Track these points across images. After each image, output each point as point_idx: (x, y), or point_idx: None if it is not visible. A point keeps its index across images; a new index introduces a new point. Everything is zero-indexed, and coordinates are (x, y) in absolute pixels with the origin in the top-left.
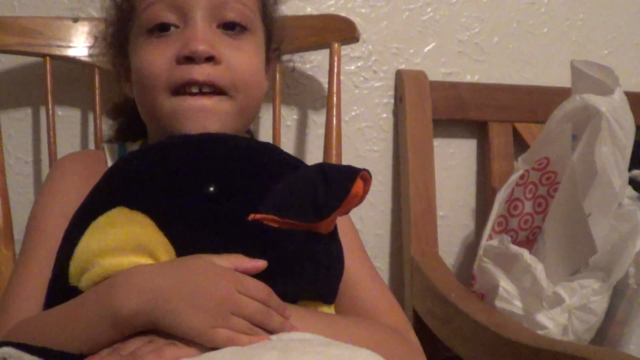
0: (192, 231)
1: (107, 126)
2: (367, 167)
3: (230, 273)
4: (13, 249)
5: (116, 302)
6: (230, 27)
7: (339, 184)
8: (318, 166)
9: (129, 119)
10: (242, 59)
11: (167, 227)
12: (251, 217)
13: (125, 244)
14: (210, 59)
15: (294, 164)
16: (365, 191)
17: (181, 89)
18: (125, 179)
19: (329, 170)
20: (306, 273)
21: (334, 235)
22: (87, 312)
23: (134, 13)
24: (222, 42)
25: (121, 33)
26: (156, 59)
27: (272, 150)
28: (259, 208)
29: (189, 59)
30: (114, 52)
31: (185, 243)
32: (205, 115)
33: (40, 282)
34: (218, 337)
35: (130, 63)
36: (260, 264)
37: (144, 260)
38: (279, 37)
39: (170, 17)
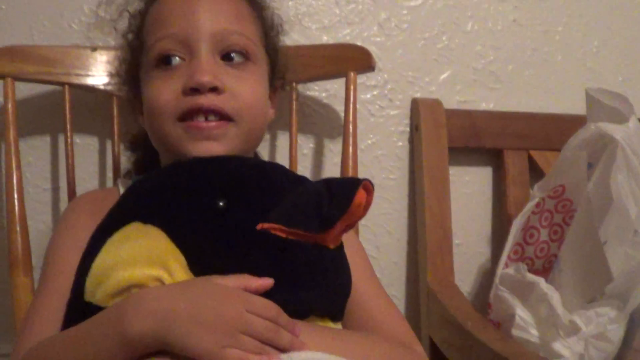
0: (202, 242)
1: (125, 158)
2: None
3: (238, 293)
4: (31, 276)
5: (126, 324)
6: (234, 59)
7: (342, 194)
8: (323, 180)
9: (147, 151)
10: (244, 87)
11: (179, 239)
12: (259, 226)
13: (138, 256)
14: (214, 89)
15: (300, 179)
16: (369, 201)
17: (188, 116)
18: (139, 197)
19: (332, 183)
20: (314, 285)
21: (340, 250)
22: (98, 334)
23: (144, 49)
24: (225, 73)
25: (133, 68)
26: (164, 90)
27: (278, 168)
28: (267, 218)
29: (195, 90)
30: (127, 87)
31: (197, 253)
32: (212, 140)
33: (58, 309)
34: (228, 357)
35: (142, 95)
36: (268, 282)
37: (156, 272)
38: (283, 67)
39: (176, 51)
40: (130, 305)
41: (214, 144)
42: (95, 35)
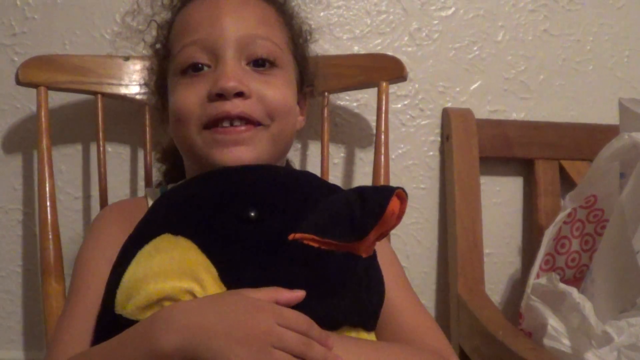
0: (234, 253)
1: (155, 169)
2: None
3: (269, 306)
4: (63, 284)
5: (156, 340)
6: (260, 64)
7: (375, 202)
8: (355, 189)
9: (177, 161)
10: (271, 91)
11: (210, 250)
12: (291, 236)
13: (169, 268)
14: (239, 94)
15: (332, 187)
16: (402, 210)
17: (213, 124)
18: (169, 208)
19: (365, 191)
20: (347, 295)
21: (374, 259)
22: (128, 350)
23: (170, 57)
24: (251, 78)
25: (160, 77)
26: (189, 96)
27: (310, 176)
28: (299, 228)
29: (220, 96)
30: (156, 97)
31: (228, 264)
32: (240, 145)
33: (88, 322)
34: None
35: (169, 103)
36: (299, 294)
37: (188, 284)
38: (312, 74)
39: (202, 58)
40: (160, 320)
41: (242, 148)
42: (124, 46)
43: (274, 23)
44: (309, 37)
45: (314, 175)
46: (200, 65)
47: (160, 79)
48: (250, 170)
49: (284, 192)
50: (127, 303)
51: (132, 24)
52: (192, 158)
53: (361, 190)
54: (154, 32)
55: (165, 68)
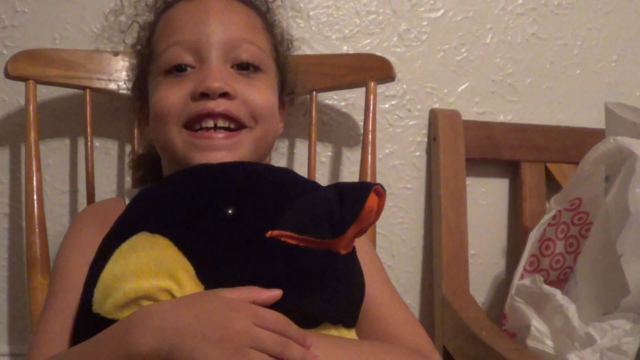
0: (211, 251)
1: (128, 176)
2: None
3: (245, 306)
4: (49, 278)
5: (132, 341)
6: (244, 67)
7: (353, 199)
8: (334, 185)
9: (153, 168)
10: (256, 94)
11: (187, 248)
12: (269, 233)
13: (146, 267)
14: (224, 94)
15: (311, 184)
16: (381, 206)
17: (196, 122)
18: (146, 206)
19: (343, 187)
20: (326, 292)
21: (353, 256)
22: (104, 351)
23: (153, 57)
24: (236, 80)
25: (142, 79)
26: (171, 95)
27: (288, 173)
28: (277, 225)
29: (204, 96)
30: (135, 98)
31: (206, 262)
32: (220, 151)
33: (66, 323)
34: None
35: (149, 104)
36: (276, 293)
37: (165, 282)
38: (292, 83)
39: (187, 59)
40: (136, 322)
41: (222, 153)
42: (105, 45)
43: (259, 29)
44: (290, 46)
45: (292, 172)
46: (184, 66)
47: (141, 80)
48: (228, 168)
49: (262, 189)
50: (104, 302)
51: (114, 23)
52: (170, 159)
53: (340, 186)
54: (135, 33)
55: (146, 69)
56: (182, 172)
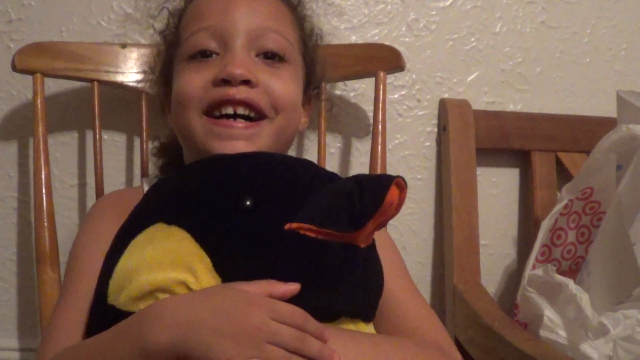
0: (228, 243)
1: (152, 163)
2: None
3: (262, 300)
4: (58, 271)
5: (147, 335)
6: (269, 57)
7: (373, 192)
8: (353, 177)
9: (175, 156)
10: (279, 84)
11: (204, 240)
12: (287, 226)
13: (162, 259)
14: (246, 82)
15: (330, 176)
16: (401, 199)
17: (216, 109)
18: (162, 197)
19: (364, 180)
20: (344, 286)
21: (372, 249)
22: (118, 345)
23: (178, 42)
24: (259, 69)
25: (166, 65)
26: (193, 79)
27: (308, 165)
28: (295, 218)
29: (226, 82)
30: (159, 85)
31: (222, 255)
32: (239, 140)
33: (81, 314)
34: None
35: (172, 89)
36: (294, 287)
37: (181, 275)
38: (319, 78)
39: (211, 45)
40: (151, 315)
41: (242, 143)
42: (132, 29)
43: (286, 20)
44: (319, 41)
45: (311, 163)
46: (208, 52)
47: (166, 66)
48: (247, 158)
49: (281, 180)
50: (119, 294)
51: (144, 8)
52: (190, 147)
53: (360, 178)
54: (164, 20)
55: (172, 55)
56: (201, 162)
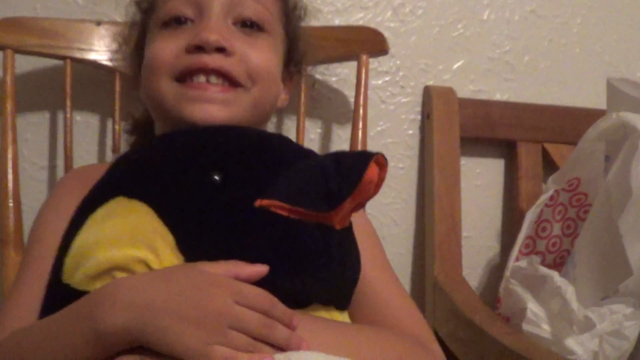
0: (194, 220)
1: (123, 140)
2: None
3: (226, 282)
4: (22, 254)
5: (100, 318)
6: (248, 25)
7: (351, 169)
8: (331, 153)
9: (147, 133)
10: (256, 53)
11: (168, 216)
12: (258, 202)
13: (122, 235)
14: (221, 50)
15: (306, 152)
16: (381, 178)
17: (187, 77)
18: (125, 169)
19: (341, 156)
20: (317, 270)
21: (349, 232)
22: (69, 327)
23: (153, 10)
24: (236, 37)
25: (142, 34)
26: (166, 46)
27: (283, 140)
28: (266, 194)
29: (200, 49)
30: (131, 57)
31: (187, 232)
32: (214, 103)
33: (38, 294)
34: (215, 356)
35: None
36: (262, 269)
37: (141, 252)
38: (301, 54)
39: (186, 11)
40: (105, 296)
41: (215, 107)
42: (108, 5)
43: None
44: (302, 15)
45: (288, 139)
46: (183, 18)
47: (141, 37)
48: (218, 131)
49: (253, 155)
50: (75, 271)
51: None
52: (161, 116)
53: (337, 155)
54: None
55: (145, 21)
56: (170, 134)
